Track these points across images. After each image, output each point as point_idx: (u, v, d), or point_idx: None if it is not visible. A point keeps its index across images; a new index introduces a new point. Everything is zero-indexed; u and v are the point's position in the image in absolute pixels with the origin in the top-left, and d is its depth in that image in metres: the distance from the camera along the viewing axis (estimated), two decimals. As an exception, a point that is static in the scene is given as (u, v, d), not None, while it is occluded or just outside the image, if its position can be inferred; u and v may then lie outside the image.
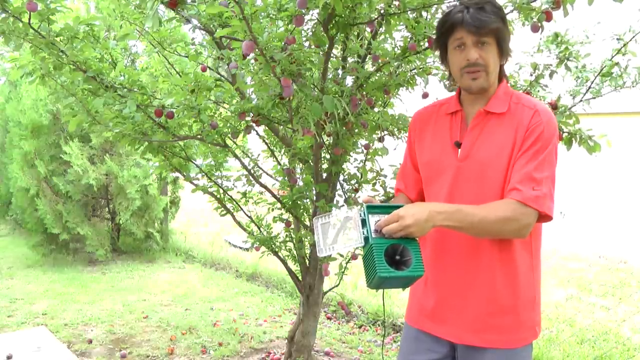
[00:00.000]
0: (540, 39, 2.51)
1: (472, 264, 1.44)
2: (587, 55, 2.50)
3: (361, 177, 2.67)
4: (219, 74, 2.85)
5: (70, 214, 5.92)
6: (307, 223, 2.78)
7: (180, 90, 2.31)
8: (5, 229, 8.83)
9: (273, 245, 2.81)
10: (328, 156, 2.67)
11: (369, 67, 2.40)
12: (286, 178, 2.73)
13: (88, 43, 2.26)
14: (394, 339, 3.80)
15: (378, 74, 2.35)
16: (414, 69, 2.36)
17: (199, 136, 2.57)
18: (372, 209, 1.33)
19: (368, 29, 2.38)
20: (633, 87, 2.51)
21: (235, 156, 2.89)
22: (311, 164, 2.64)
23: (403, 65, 2.30)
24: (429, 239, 1.50)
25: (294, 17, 1.84)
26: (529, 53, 2.58)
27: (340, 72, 2.48)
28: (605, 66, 2.49)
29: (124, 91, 2.36)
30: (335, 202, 2.77)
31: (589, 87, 2.55)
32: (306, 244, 2.82)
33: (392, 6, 2.04)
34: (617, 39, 2.47)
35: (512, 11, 2.10)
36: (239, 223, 2.99)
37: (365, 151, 2.64)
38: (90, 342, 3.65)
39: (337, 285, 2.92)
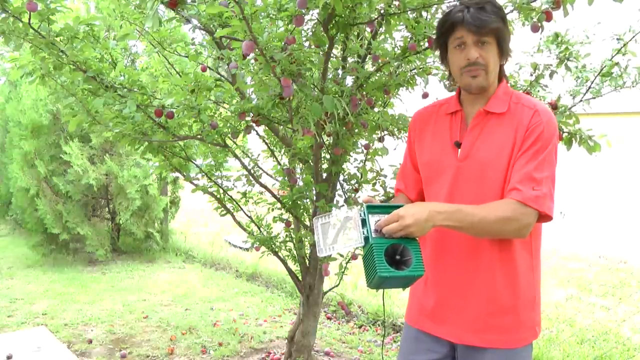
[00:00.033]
0: (540, 39, 2.51)
1: (472, 263, 1.44)
2: (587, 55, 2.50)
3: (361, 177, 2.67)
4: (219, 74, 2.85)
5: (70, 214, 5.92)
6: (307, 223, 2.78)
7: (180, 90, 2.31)
8: (5, 229, 8.83)
9: (273, 245, 2.81)
10: (328, 156, 2.67)
11: (369, 67, 2.40)
12: (286, 178, 2.73)
13: (88, 43, 2.26)
14: (394, 339, 3.80)
15: (378, 74, 2.35)
16: (414, 69, 2.36)
17: (199, 136, 2.57)
18: (372, 208, 1.33)
19: (368, 29, 2.38)
20: (633, 87, 2.51)
21: (235, 156, 2.89)
22: (311, 164, 2.64)
23: (403, 65, 2.30)
24: (429, 238, 1.50)
25: (294, 17, 1.84)
26: (529, 53, 2.58)
27: (340, 72, 2.48)
28: (605, 66, 2.49)
29: (124, 91, 2.36)
30: (335, 202, 2.77)
31: (589, 87, 2.55)
32: (306, 244, 2.82)
33: (392, 6, 2.04)
34: (617, 39, 2.47)
35: (512, 11, 2.10)
36: (239, 223, 2.99)
37: (365, 151, 2.64)
38: (90, 342, 3.65)
39: (337, 285, 2.92)
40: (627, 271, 5.71)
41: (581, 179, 7.96)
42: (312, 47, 2.27)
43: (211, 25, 2.48)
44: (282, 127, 2.70)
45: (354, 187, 2.73)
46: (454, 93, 1.57)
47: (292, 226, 2.87)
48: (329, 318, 4.32)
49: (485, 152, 1.42)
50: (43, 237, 6.26)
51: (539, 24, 2.08)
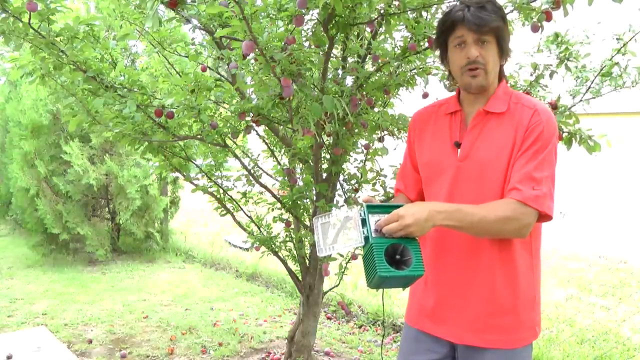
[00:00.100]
0: (540, 39, 2.51)
1: (472, 263, 1.44)
2: (587, 55, 2.50)
3: (361, 177, 2.67)
4: (219, 74, 2.85)
5: (70, 214, 5.92)
6: (307, 223, 2.78)
7: (180, 90, 2.31)
8: (5, 229, 8.83)
9: (273, 245, 2.81)
10: (328, 156, 2.67)
11: (369, 67, 2.40)
12: (286, 178, 2.73)
13: (88, 43, 2.26)
14: (394, 339, 3.80)
15: (378, 74, 2.35)
16: (414, 69, 2.36)
17: (199, 136, 2.57)
18: (372, 208, 1.33)
19: (368, 29, 2.38)
20: (633, 87, 2.51)
21: (235, 156, 2.89)
22: (311, 164, 2.64)
23: (403, 65, 2.30)
24: (429, 238, 1.50)
25: (294, 17, 1.84)
26: (529, 53, 2.58)
27: (340, 72, 2.48)
28: (605, 66, 2.49)
29: (124, 91, 2.36)
30: (335, 202, 2.77)
31: (589, 87, 2.55)
32: (306, 244, 2.82)
33: (392, 6, 2.04)
34: (617, 39, 2.47)
35: (512, 11, 2.10)
36: (239, 223, 2.99)
37: (365, 151, 2.64)
38: (90, 342, 3.65)
39: (337, 285, 2.92)
40: (627, 271, 5.71)
41: (581, 179, 7.96)
42: (312, 47, 2.27)
43: (211, 25, 2.48)
44: (282, 127, 2.70)
45: (354, 187, 2.73)
46: (453, 93, 1.57)
47: (292, 226, 2.87)
48: (329, 318, 4.32)
49: (485, 152, 1.42)
50: (43, 237, 6.26)
51: (539, 24, 2.08)
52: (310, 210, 2.77)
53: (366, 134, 2.54)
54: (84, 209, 6.19)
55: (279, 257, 2.90)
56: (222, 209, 2.95)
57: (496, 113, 1.44)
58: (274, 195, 2.86)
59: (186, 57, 2.99)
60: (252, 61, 2.05)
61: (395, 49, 2.31)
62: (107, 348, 3.59)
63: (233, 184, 3.04)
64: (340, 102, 2.00)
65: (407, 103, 2.53)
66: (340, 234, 1.36)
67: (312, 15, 2.22)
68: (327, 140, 2.66)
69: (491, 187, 1.41)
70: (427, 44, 2.18)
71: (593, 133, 2.46)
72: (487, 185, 1.41)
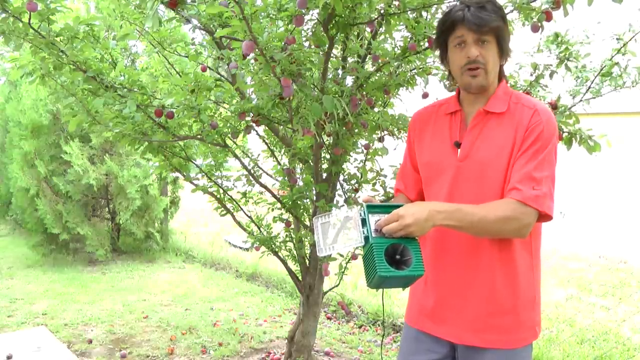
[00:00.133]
0: (540, 39, 2.51)
1: (472, 263, 1.44)
2: (587, 55, 2.50)
3: (361, 177, 2.67)
4: (219, 74, 2.85)
5: (70, 214, 5.92)
6: (307, 223, 2.78)
7: (180, 90, 2.31)
8: (5, 229, 8.83)
9: (273, 245, 2.81)
10: (328, 156, 2.67)
11: (369, 67, 2.40)
12: (286, 178, 2.73)
13: (88, 43, 2.26)
14: (394, 339, 3.80)
15: (378, 74, 2.35)
16: (414, 69, 2.36)
17: (199, 136, 2.57)
18: (372, 208, 1.33)
19: (368, 29, 2.38)
20: (633, 87, 2.51)
21: (235, 156, 2.89)
22: (311, 164, 2.64)
23: (403, 65, 2.30)
24: (429, 238, 1.50)
25: (294, 17, 1.84)
26: (529, 53, 2.58)
27: (340, 72, 2.48)
28: (605, 66, 2.49)
29: (124, 91, 2.36)
30: (335, 202, 2.77)
31: (589, 87, 2.55)
32: (306, 244, 2.83)
33: (392, 6, 2.04)
34: (617, 39, 2.47)
35: (512, 11, 2.10)
36: (239, 223, 2.99)
37: (365, 151, 2.64)
38: (90, 342, 3.65)
39: (337, 285, 2.92)
40: (627, 271, 5.71)
41: (581, 179, 7.96)
42: (312, 47, 2.27)
43: (211, 25, 2.48)
44: (282, 127, 2.70)
45: (354, 187, 2.73)
46: (453, 93, 1.57)
47: (292, 226, 2.87)
48: (329, 318, 4.32)
49: (485, 152, 1.42)
50: (43, 237, 6.26)
51: (539, 24, 2.08)
52: (310, 210, 2.77)
53: (366, 134, 2.54)
54: (84, 209, 6.19)
55: (279, 257, 2.90)
56: (222, 209, 2.95)
57: (496, 113, 1.44)
58: (274, 195, 2.86)
59: (186, 57, 2.99)
60: (252, 61, 2.05)
61: (395, 49, 2.31)
62: (107, 348, 3.59)
63: (233, 184, 3.04)
64: (340, 102, 2.00)
65: (407, 103, 2.53)
66: (340, 234, 1.37)
67: (312, 15, 2.22)
68: (327, 140, 2.66)
69: (491, 187, 1.41)
70: (427, 44, 2.18)
71: (593, 133, 2.46)
72: (487, 185, 1.41)
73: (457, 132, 1.49)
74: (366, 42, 2.45)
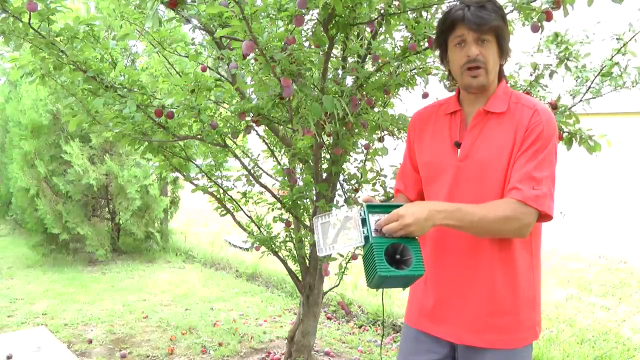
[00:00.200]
0: (540, 39, 2.51)
1: (472, 263, 1.44)
2: (587, 55, 2.50)
3: (361, 177, 2.67)
4: (219, 74, 2.85)
5: (70, 214, 5.92)
6: (307, 223, 2.78)
7: (180, 90, 2.31)
8: (5, 229, 8.83)
9: (273, 245, 2.81)
10: (328, 156, 2.67)
11: (369, 67, 2.40)
12: (286, 178, 2.74)
13: (88, 43, 2.26)
14: (394, 339, 3.80)
15: (378, 74, 2.35)
16: (414, 69, 2.36)
17: (199, 136, 2.57)
18: (372, 208, 1.33)
19: (368, 29, 2.38)
20: (633, 87, 2.51)
21: (235, 156, 2.89)
22: (311, 164, 2.64)
23: (403, 65, 2.30)
24: (429, 238, 1.50)
25: (294, 17, 1.84)
26: (529, 53, 2.58)
27: (340, 72, 2.48)
28: (605, 66, 2.49)
29: (124, 91, 2.36)
30: (335, 202, 2.77)
31: (589, 87, 2.55)
32: (306, 244, 2.83)
33: (392, 6, 2.04)
34: (617, 39, 2.46)
35: (512, 11, 2.10)
36: (239, 223, 2.99)
37: (365, 151, 2.64)
38: (90, 342, 3.65)
39: (337, 285, 2.92)
40: (627, 271, 5.71)
41: (581, 179, 7.96)
42: (312, 47, 2.27)
43: (211, 25, 2.48)
44: (282, 127, 2.70)
45: (354, 187, 2.73)
46: (453, 93, 1.57)
47: (292, 226, 2.87)
48: (329, 318, 4.32)
49: (485, 152, 1.42)
50: (43, 237, 6.26)
51: (539, 24, 2.08)
52: (310, 210, 2.77)
53: (366, 134, 2.54)
54: (84, 209, 6.19)
55: (279, 257, 2.90)
56: (222, 209, 2.95)
57: (496, 113, 1.44)
58: (274, 195, 2.86)
59: (186, 57, 2.99)
60: (252, 61, 2.05)
61: (395, 49, 2.31)
62: (107, 348, 3.59)
63: (233, 184, 3.04)
64: (340, 102, 2.00)
65: (407, 103, 2.53)
66: (340, 233, 1.36)
67: (312, 15, 2.22)
68: (327, 140, 2.66)
69: (491, 187, 1.41)
70: (427, 44, 2.18)
71: (593, 133, 2.46)
72: (487, 185, 1.41)
73: (457, 132, 1.49)
74: (366, 42, 2.45)
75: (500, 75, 1.49)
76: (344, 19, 2.07)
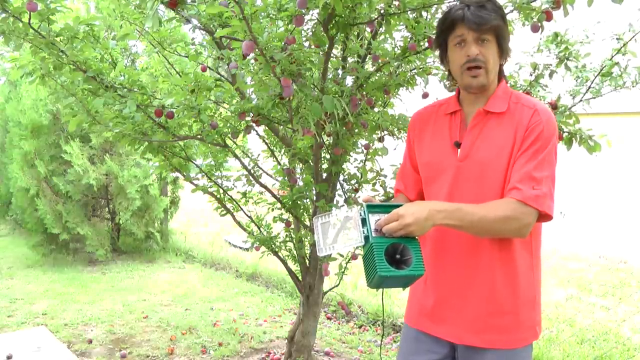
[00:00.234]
0: (540, 39, 2.51)
1: (472, 263, 1.44)
2: (587, 55, 2.50)
3: (361, 177, 2.67)
4: (219, 74, 2.85)
5: (70, 214, 5.92)
6: (307, 223, 2.78)
7: (180, 90, 2.32)
8: (5, 229, 8.83)
9: (273, 245, 2.81)
10: (328, 156, 2.67)
11: (369, 67, 2.40)
12: (286, 178, 2.74)
13: (88, 43, 2.26)
14: (394, 339, 3.80)
15: (378, 74, 2.35)
16: (414, 69, 2.36)
17: (199, 136, 2.57)
18: (372, 208, 1.33)
19: (368, 29, 2.38)
20: (633, 87, 2.51)
21: (235, 156, 2.89)
22: (311, 164, 2.64)
23: (403, 65, 2.30)
24: (429, 238, 1.50)
25: (294, 17, 1.84)
26: (529, 53, 2.58)
27: (340, 72, 2.48)
28: (605, 66, 2.49)
29: (124, 91, 2.36)
30: (335, 202, 2.77)
31: (589, 87, 2.55)
32: (306, 244, 2.83)
33: (392, 6, 2.04)
34: (617, 39, 2.46)
35: (512, 11, 2.10)
36: (239, 223, 2.99)
37: (365, 151, 2.64)
38: (90, 342, 3.65)
39: (337, 285, 2.92)
40: (627, 271, 5.71)
41: (581, 179, 7.96)
42: (312, 47, 2.27)
43: (211, 25, 2.48)
44: (282, 127, 2.70)
45: (354, 187, 2.73)
46: (453, 93, 1.57)
47: (292, 226, 2.87)
48: (329, 318, 4.32)
49: (485, 152, 1.42)
50: (43, 237, 6.26)
51: (539, 24, 2.08)
52: (310, 210, 2.77)
53: (366, 134, 2.54)
54: (84, 209, 6.19)
55: (279, 257, 2.90)
56: (222, 209, 2.95)
57: (496, 113, 1.44)
58: (274, 195, 2.86)
59: (186, 57, 2.99)
60: (252, 61, 2.05)
61: (395, 49, 2.31)
62: (107, 348, 3.59)
63: (233, 184, 3.04)
64: (340, 102, 2.00)
65: (407, 103, 2.53)
66: (340, 233, 1.36)
67: (312, 15, 2.22)
68: (327, 140, 2.66)
69: (491, 187, 1.41)
70: (427, 44, 2.18)
71: (593, 133, 2.46)
72: (487, 185, 1.41)
73: (457, 132, 1.49)
74: (366, 42, 2.45)
75: (500, 75, 1.49)
76: (344, 19, 2.07)
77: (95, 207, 6.50)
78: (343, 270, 2.65)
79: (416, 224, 1.27)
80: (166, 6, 2.19)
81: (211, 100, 2.58)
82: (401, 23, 2.17)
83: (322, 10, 1.97)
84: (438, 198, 1.48)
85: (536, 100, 1.47)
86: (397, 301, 4.27)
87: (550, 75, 2.53)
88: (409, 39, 2.23)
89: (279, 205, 2.82)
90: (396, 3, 2.05)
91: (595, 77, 2.52)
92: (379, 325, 4.07)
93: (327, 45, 2.17)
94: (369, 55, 2.37)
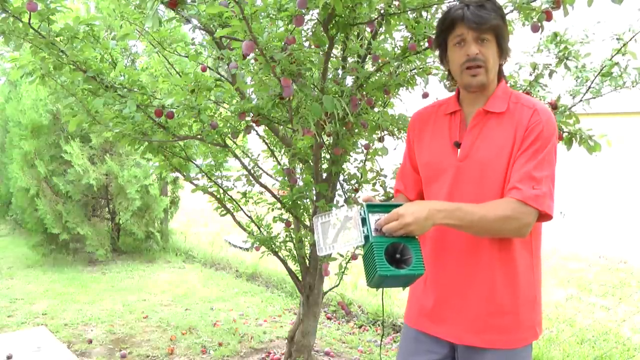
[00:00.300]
0: (540, 38, 2.51)
1: (472, 263, 1.44)
2: (587, 55, 2.50)
3: (361, 177, 2.68)
4: (219, 74, 2.85)
5: (70, 214, 5.92)
6: (307, 223, 2.78)
7: (180, 90, 2.32)
8: (5, 229, 8.83)
9: (273, 245, 2.81)
10: (328, 156, 2.67)
11: (369, 67, 2.41)
12: (286, 178, 2.74)
13: (88, 43, 2.27)
14: (393, 339, 3.80)
15: (378, 74, 2.35)
16: (414, 69, 2.36)
17: (199, 136, 2.57)
18: (372, 207, 1.33)
19: (368, 29, 2.38)
20: (633, 87, 2.51)
21: (235, 156, 2.89)
22: (311, 164, 2.64)
23: (403, 65, 2.30)
24: (429, 237, 1.50)
25: (294, 17, 1.84)
26: (528, 53, 2.58)
27: (340, 72, 2.48)
28: (605, 66, 2.49)
29: (124, 91, 2.36)
30: (335, 202, 2.77)
31: (589, 87, 2.55)
32: (306, 244, 2.83)
33: (392, 6, 2.04)
34: (617, 39, 2.46)
35: (512, 11, 2.10)
36: (239, 223, 2.99)
37: (365, 151, 2.64)
38: (90, 342, 3.65)
39: (337, 285, 2.92)
40: (627, 271, 5.71)
41: (581, 179, 7.96)
42: (312, 47, 2.27)
43: (211, 25, 2.48)
44: (282, 127, 2.70)
45: (354, 187, 2.73)
46: (453, 93, 1.57)
47: (292, 226, 2.87)
48: (329, 318, 4.32)
49: (484, 151, 1.42)
50: (43, 237, 6.26)
51: (539, 24, 2.08)
52: (310, 210, 2.77)
53: (366, 134, 2.54)
54: (84, 209, 6.19)
55: (279, 257, 2.90)
56: (222, 209, 2.95)
57: (496, 113, 1.44)
58: (274, 195, 2.86)
59: (186, 57, 2.99)
60: (252, 61, 2.05)
61: (395, 49, 2.31)
62: (107, 348, 3.59)
63: (233, 184, 3.04)
64: (340, 102, 2.01)
65: (407, 103, 2.53)
66: (341, 233, 1.37)
67: (312, 15, 2.22)
68: (327, 140, 2.66)
69: (491, 187, 1.41)
70: (427, 44, 2.18)
71: (593, 133, 2.46)
72: (487, 185, 1.41)
73: (457, 132, 1.49)
74: (366, 42, 2.45)
75: (500, 75, 1.49)
76: (344, 19, 2.07)
77: (95, 207, 6.50)
78: (343, 270, 2.65)
79: (416, 224, 1.27)
80: (166, 6, 2.19)
81: (211, 100, 2.58)
82: (401, 23, 2.17)
83: (322, 10, 1.97)
84: (438, 198, 1.48)
85: (536, 100, 1.47)
86: (397, 301, 4.27)
87: (550, 75, 2.53)
88: (409, 39, 2.23)
89: (279, 205, 2.83)
90: (396, 3, 2.05)
91: (595, 77, 2.52)
92: (379, 325, 4.07)
93: (327, 45, 2.17)
94: (369, 55, 2.37)
